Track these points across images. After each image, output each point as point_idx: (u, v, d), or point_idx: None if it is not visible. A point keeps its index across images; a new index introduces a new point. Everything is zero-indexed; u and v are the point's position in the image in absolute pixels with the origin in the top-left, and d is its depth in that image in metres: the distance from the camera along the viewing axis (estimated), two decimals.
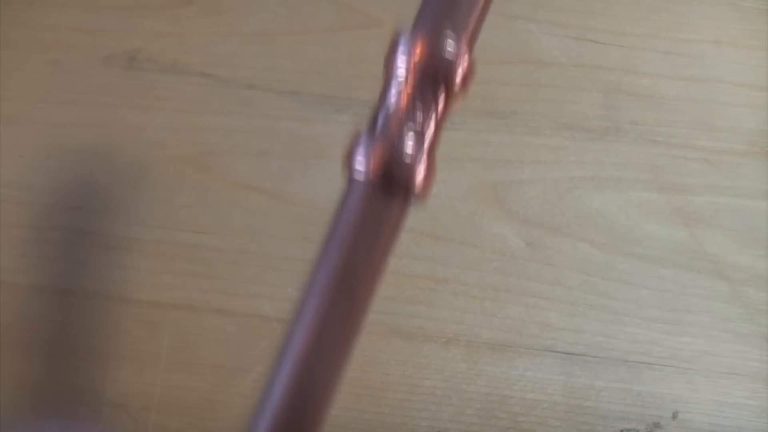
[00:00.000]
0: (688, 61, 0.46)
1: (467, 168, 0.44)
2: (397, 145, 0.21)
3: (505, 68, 0.46)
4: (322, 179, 0.44)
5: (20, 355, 0.42)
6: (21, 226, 0.43)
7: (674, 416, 0.41)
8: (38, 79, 0.46)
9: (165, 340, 0.42)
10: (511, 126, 0.45)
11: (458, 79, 0.22)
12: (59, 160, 0.44)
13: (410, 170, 0.21)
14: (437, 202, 0.44)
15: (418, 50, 0.21)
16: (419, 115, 0.21)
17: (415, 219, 0.45)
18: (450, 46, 0.22)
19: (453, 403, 0.42)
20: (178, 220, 0.43)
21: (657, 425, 0.41)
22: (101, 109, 0.45)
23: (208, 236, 0.43)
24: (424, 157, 0.21)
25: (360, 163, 0.21)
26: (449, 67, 0.22)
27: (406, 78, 0.21)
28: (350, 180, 0.21)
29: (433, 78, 0.22)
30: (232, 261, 0.43)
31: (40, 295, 0.43)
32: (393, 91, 0.21)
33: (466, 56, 0.22)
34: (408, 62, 0.21)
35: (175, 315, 0.42)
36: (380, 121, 0.21)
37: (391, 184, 0.21)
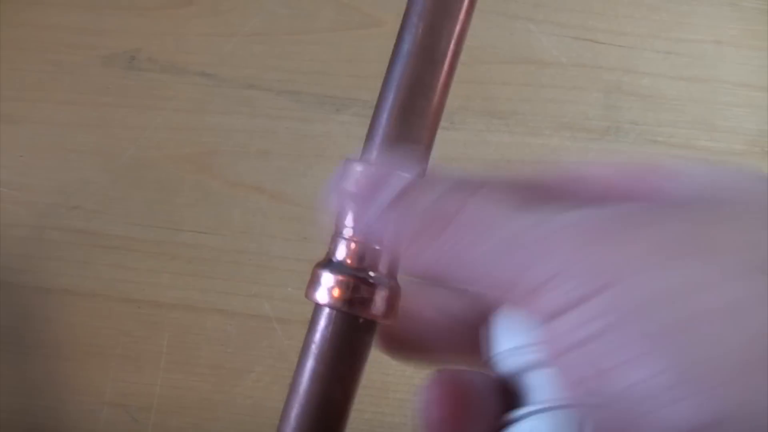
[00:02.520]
0: (688, 61, 0.46)
1: (467, 168, 0.44)
2: (355, 279, 0.21)
3: (505, 68, 0.45)
4: (322, 179, 0.44)
5: (20, 355, 0.42)
6: (21, 226, 0.43)
7: None
8: (38, 79, 0.46)
9: (165, 340, 0.42)
10: (511, 126, 0.45)
11: None
12: (59, 160, 0.44)
13: (370, 301, 0.21)
14: None
15: (363, 180, 0.21)
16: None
17: None
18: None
19: None
20: (178, 220, 0.43)
21: None
22: (101, 109, 0.45)
23: (208, 236, 0.43)
24: (384, 286, 0.21)
25: (322, 297, 0.21)
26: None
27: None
28: (316, 306, 0.22)
29: None
30: (231, 261, 0.43)
31: (40, 295, 0.43)
32: (346, 223, 0.22)
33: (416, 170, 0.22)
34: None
35: (175, 315, 0.42)
36: (337, 253, 0.21)
37: (355, 315, 0.21)
